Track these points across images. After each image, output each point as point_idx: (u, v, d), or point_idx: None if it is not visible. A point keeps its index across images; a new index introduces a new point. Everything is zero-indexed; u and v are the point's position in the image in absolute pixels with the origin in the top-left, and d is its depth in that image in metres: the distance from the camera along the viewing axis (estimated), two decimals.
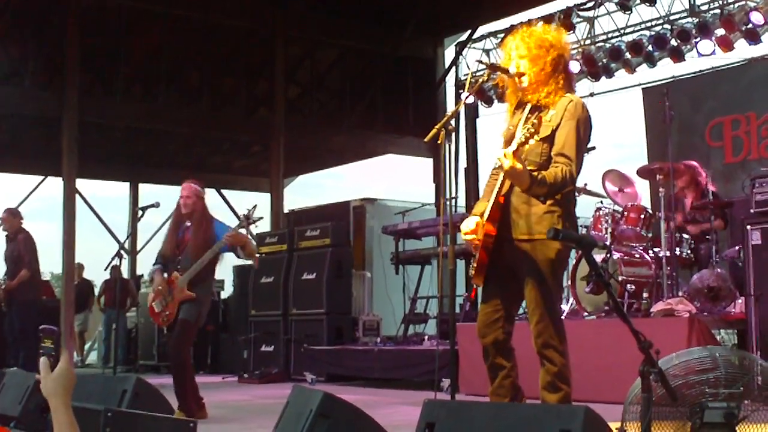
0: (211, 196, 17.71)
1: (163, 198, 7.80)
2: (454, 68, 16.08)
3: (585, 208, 8.13)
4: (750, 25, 11.09)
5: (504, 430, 2.95)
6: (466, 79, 13.11)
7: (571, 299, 8.19)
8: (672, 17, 12.04)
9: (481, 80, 5.85)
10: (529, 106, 4.28)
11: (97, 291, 16.47)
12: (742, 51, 11.74)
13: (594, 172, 8.57)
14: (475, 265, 4.19)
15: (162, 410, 4.67)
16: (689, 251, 8.13)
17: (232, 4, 15.04)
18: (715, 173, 10.12)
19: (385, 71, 16.51)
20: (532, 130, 3.89)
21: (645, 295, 7.79)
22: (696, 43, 11.68)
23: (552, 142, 4.13)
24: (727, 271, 7.87)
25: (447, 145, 4.42)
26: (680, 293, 7.68)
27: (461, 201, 15.00)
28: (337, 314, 11.11)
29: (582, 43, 13.02)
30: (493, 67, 4.46)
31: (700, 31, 11.53)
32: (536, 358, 4.13)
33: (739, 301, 7.41)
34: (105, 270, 13.27)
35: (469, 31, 15.52)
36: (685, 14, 11.92)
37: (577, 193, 4.33)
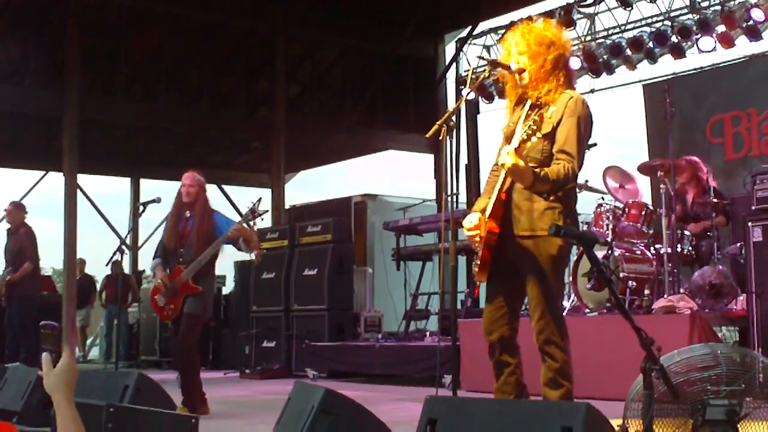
0: (212, 191, 17.70)
1: (164, 193, 7.80)
2: (454, 65, 16.08)
3: (586, 205, 8.13)
4: (751, 22, 11.10)
5: (505, 427, 2.95)
6: (466, 76, 13.10)
7: (573, 296, 8.20)
8: (673, 14, 12.04)
9: (482, 76, 5.82)
10: (529, 103, 4.28)
11: (98, 286, 16.48)
12: (743, 48, 11.77)
13: (595, 168, 8.57)
14: (478, 262, 4.19)
15: (164, 405, 4.68)
16: (690, 248, 8.13)
17: (233, 3, 15.02)
18: (716, 170, 10.11)
19: (385, 70, 16.49)
20: (534, 128, 3.89)
21: (646, 291, 7.79)
22: (697, 39, 11.69)
23: (553, 139, 4.12)
24: (728, 268, 7.88)
25: (448, 142, 4.41)
26: (682, 290, 7.68)
27: (462, 197, 14.99)
28: (338, 310, 11.12)
29: (582, 39, 13.02)
30: (494, 64, 4.45)
31: (701, 28, 11.53)
32: (538, 355, 4.14)
33: (741, 298, 7.42)
34: (106, 265, 13.39)
35: (470, 28, 15.51)
36: (685, 11, 11.92)
37: (578, 190, 4.33)
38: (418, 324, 11.31)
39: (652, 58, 12.39)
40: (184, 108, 15.56)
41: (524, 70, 4.21)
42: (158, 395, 4.86)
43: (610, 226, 8.06)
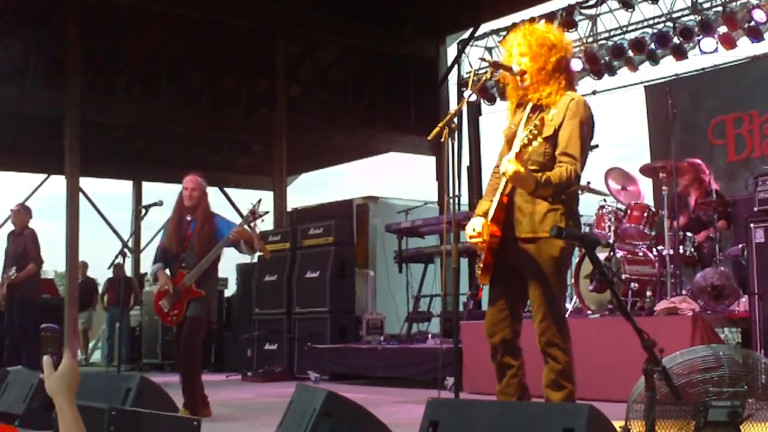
0: (213, 194, 17.71)
1: (166, 196, 7.79)
2: (456, 66, 16.09)
3: (588, 206, 8.13)
4: (752, 23, 11.10)
5: (508, 429, 2.95)
6: (468, 77, 13.12)
7: (575, 297, 8.19)
8: (674, 15, 12.05)
9: (483, 78, 5.83)
10: (530, 105, 4.27)
11: (100, 289, 16.49)
12: (745, 49, 11.77)
13: (597, 170, 8.58)
14: (481, 265, 4.19)
15: (166, 408, 4.68)
16: (692, 249, 8.12)
17: (233, 3, 15.03)
18: (717, 171, 10.11)
19: (385, 70, 16.51)
20: (536, 132, 3.88)
21: (648, 293, 7.79)
22: (698, 40, 11.69)
23: (555, 141, 4.12)
24: (730, 269, 7.87)
25: (450, 143, 4.43)
26: (684, 292, 7.67)
27: (464, 199, 15.00)
28: (340, 313, 11.11)
29: (584, 40, 13.03)
30: (495, 65, 4.45)
31: (703, 29, 11.54)
32: (540, 357, 4.13)
33: (743, 299, 7.41)
34: (108, 268, 13.38)
35: (471, 29, 15.52)
36: (687, 12, 11.93)
37: (579, 191, 4.32)
38: (420, 326, 11.31)
39: (654, 60, 12.39)
40: (185, 108, 15.57)
41: (525, 72, 4.21)
42: (160, 398, 4.87)
43: (612, 228, 8.05)
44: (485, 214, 4.22)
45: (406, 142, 16.96)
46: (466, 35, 15.74)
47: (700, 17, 11.61)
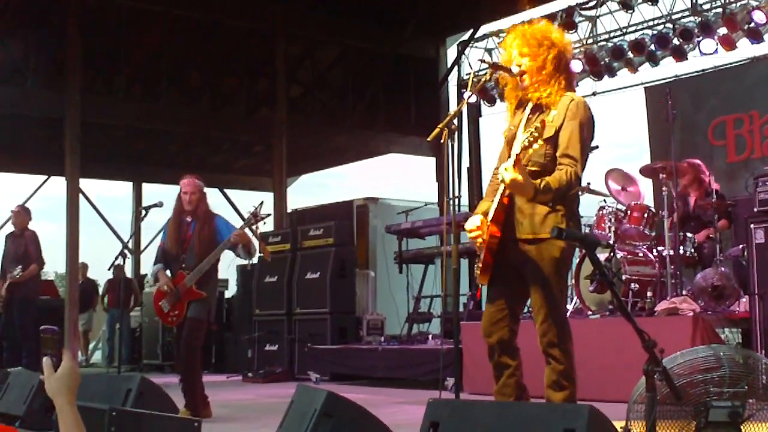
0: (214, 195, 17.74)
1: (166, 197, 7.78)
2: (456, 67, 16.09)
3: (588, 207, 8.12)
4: (752, 24, 11.11)
5: (508, 429, 2.95)
6: (468, 79, 13.12)
7: (575, 298, 8.19)
8: (674, 16, 12.05)
9: (483, 79, 5.82)
10: (530, 106, 4.27)
11: (100, 290, 16.48)
12: (745, 50, 11.78)
13: (597, 171, 8.59)
14: (480, 265, 4.19)
15: (166, 409, 4.68)
16: (693, 250, 8.13)
17: (233, 3, 15.03)
18: (717, 172, 10.11)
19: (385, 71, 16.51)
20: (536, 134, 3.86)
21: (649, 294, 7.79)
22: (698, 42, 11.70)
23: (555, 142, 4.11)
24: (731, 269, 7.87)
25: (450, 145, 4.42)
26: (684, 292, 7.67)
27: (464, 200, 15.00)
28: (340, 313, 11.12)
29: (584, 42, 13.03)
30: (495, 66, 4.45)
31: (703, 30, 11.54)
32: (541, 357, 4.13)
33: (744, 299, 7.41)
34: (108, 269, 13.41)
35: (471, 30, 15.53)
36: (687, 13, 11.93)
37: (580, 192, 4.31)
38: (420, 327, 11.32)
39: (654, 61, 12.39)
40: (185, 108, 15.57)
41: (525, 73, 4.20)
42: (161, 399, 4.86)
43: (613, 229, 8.05)
44: (485, 214, 4.22)
45: (406, 143, 16.96)
46: (466, 36, 15.74)
47: (699, 18, 11.61)
